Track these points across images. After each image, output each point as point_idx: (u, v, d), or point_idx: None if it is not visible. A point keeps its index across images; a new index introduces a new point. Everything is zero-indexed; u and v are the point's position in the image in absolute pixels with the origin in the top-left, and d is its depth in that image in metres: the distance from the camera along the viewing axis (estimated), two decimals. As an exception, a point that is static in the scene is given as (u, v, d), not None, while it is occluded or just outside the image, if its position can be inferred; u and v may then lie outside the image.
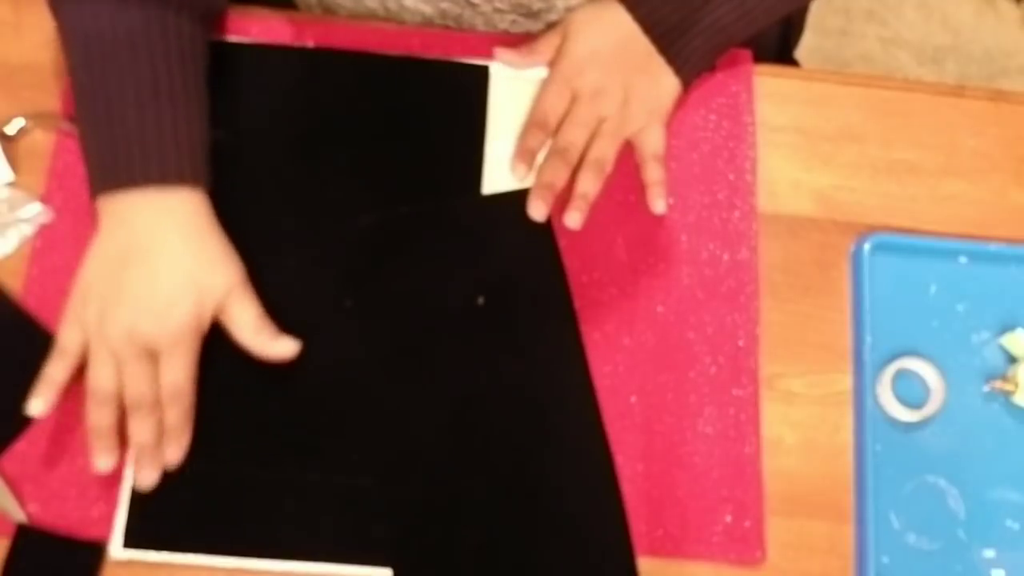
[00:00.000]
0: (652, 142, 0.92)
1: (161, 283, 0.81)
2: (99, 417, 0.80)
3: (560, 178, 0.90)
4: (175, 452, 0.82)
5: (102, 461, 0.80)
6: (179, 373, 0.81)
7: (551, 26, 0.97)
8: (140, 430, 0.81)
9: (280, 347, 0.84)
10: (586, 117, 0.92)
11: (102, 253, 0.82)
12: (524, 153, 0.92)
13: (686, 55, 0.92)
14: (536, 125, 0.92)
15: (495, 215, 0.92)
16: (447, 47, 0.96)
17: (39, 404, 0.80)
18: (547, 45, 0.95)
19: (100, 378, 0.80)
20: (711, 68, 0.96)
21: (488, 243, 0.91)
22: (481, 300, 0.89)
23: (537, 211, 0.88)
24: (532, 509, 0.84)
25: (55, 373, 0.81)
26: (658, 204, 0.90)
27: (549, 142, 0.92)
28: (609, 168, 0.91)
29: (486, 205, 0.92)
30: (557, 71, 0.93)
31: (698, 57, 0.93)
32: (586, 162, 0.91)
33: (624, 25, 0.93)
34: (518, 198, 0.90)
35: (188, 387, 0.82)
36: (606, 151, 0.91)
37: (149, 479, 0.81)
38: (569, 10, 0.96)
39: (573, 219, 0.88)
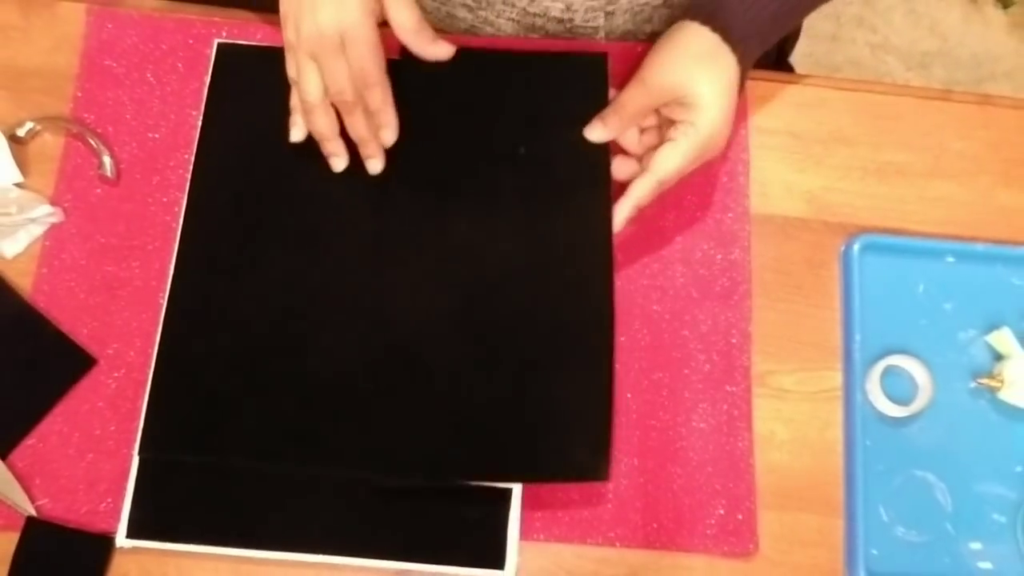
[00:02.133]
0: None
1: None
2: (321, 124, 0.88)
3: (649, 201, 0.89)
4: (388, 134, 0.90)
5: (338, 163, 0.90)
6: (364, 58, 0.84)
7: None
8: (352, 124, 0.88)
9: (438, 49, 0.89)
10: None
11: None
12: (631, 206, 0.88)
13: (752, 56, 0.89)
14: (655, 185, 0.88)
15: (554, 72, 0.94)
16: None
17: (297, 132, 0.90)
18: (644, 98, 0.89)
19: (308, 83, 0.85)
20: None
21: (541, 96, 0.93)
22: (522, 149, 0.91)
23: (618, 224, 0.89)
24: (527, 361, 0.87)
25: (295, 102, 0.90)
26: (619, 215, 0.89)
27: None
28: None
29: (548, 61, 0.95)
30: (696, 146, 0.87)
31: (759, 53, 0.90)
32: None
33: (730, 67, 0.86)
34: (581, 62, 0.94)
35: (376, 71, 0.86)
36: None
37: (376, 167, 0.91)
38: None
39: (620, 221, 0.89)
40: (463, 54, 0.91)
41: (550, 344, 0.87)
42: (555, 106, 0.92)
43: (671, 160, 0.86)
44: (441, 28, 1.01)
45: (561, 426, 0.85)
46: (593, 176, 0.90)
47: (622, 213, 0.88)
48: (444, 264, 0.89)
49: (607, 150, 0.91)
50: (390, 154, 0.91)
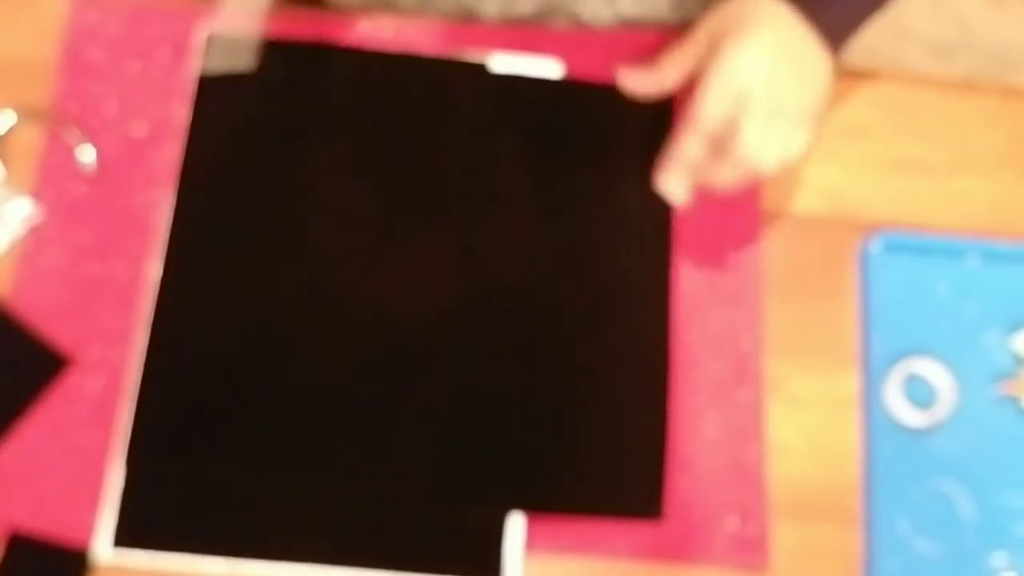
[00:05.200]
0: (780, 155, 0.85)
1: None
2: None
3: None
4: None
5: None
6: None
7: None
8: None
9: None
10: (758, 121, 0.83)
11: None
12: (680, 161, 0.87)
13: (840, 35, 0.85)
14: (694, 132, 0.85)
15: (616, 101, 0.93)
16: (445, 41, 0.95)
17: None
18: (683, 56, 0.87)
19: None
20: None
21: (602, 127, 0.93)
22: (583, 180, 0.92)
23: (677, 193, 0.89)
24: (569, 384, 0.86)
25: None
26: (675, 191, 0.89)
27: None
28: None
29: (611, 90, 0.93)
30: (717, 71, 0.83)
31: (848, 34, 0.86)
32: (736, 158, 0.85)
33: (785, 27, 0.84)
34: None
35: None
36: (770, 161, 0.85)
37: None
38: None
39: (679, 193, 0.88)
40: (527, 81, 0.93)
41: (599, 366, 0.87)
42: (616, 136, 0.93)
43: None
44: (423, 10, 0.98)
45: (609, 456, 0.85)
46: (654, 209, 0.90)
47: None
48: (468, 265, 0.88)
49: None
50: (430, 167, 0.91)
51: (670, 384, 0.87)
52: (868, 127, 0.97)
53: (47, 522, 0.81)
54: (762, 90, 0.83)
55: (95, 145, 0.89)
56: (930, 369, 0.89)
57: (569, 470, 0.84)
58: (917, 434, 0.88)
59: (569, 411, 0.86)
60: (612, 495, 0.84)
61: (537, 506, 0.83)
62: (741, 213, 0.92)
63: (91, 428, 0.83)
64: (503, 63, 0.94)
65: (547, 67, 0.94)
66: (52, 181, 0.89)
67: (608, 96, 0.93)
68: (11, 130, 0.89)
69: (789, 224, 0.93)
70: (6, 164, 0.89)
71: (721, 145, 0.85)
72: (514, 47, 0.95)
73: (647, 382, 0.87)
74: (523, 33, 0.96)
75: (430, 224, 0.89)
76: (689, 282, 0.90)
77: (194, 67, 0.92)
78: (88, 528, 0.81)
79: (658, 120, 0.92)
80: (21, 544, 0.80)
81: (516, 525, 0.83)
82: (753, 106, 0.83)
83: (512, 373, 0.86)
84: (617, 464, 0.85)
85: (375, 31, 0.94)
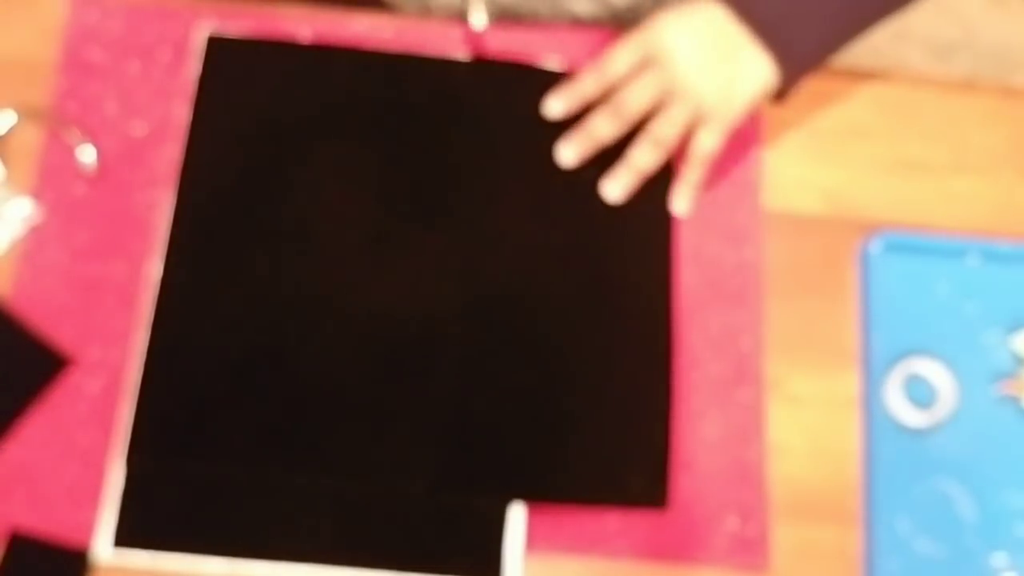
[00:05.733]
0: (707, 143, 0.87)
1: None
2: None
3: (608, 135, 0.88)
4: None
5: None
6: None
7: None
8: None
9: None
10: (655, 84, 0.87)
11: None
12: (572, 92, 0.89)
13: (790, 44, 0.86)
14: (596, 72, 0.88)
15: None
16: (445, 41, 0.95)
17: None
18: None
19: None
20: (817, 66, 0.89)
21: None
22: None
23: (568, 156, 0.89)
24: (569, 371, 0.87)
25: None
26: (681, 204, 0.90)
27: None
28: (668, 152, 0.89)
29: None
30: (637, 32, 0.87)
31: (805, 48, 0.87)
32: (646, 134, 0.88)
33: (717, 17, 0.85)
34: None
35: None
36: (669, 133, 0.87)
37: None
38: None
39: (615, 190, 0.89)
40: (527, 81, 0.93)
41: (602, 359, 0.87)
42: None
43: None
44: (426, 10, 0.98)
45: (614, 446, 0.85)
46: (655, 207, 0.91)
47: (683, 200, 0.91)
48: (469, 261, 0.88)
49: (669, 167, 0.91)
50: (430, 166, 0.91)
51: (673, 377, 0.86)
52: (868, 127, 0.96)
53: (47, 522, 0.81)
54: (674, 61, 0.85)
55: (95, 145, 0.89)
56: (930, 369, 0.88)
57: (575, 460, 0.84)
58: (917, 434, 0.87)
59: (573, 402, 0.85)
60: (617, 485, 0.84)
61: (542, 496, 0.83)
62: (741, 213, 0.92)
63: (91, 428, 0.83)
64: (503, 62, 0.94)
65: (546, 66, 0.94)
66: (52, 181, 0.88)
67: None
68: (11, 130, 0.89)
69: (789, 224, 0.92)
70: (6, 164, 0.88)
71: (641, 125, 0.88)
72: (514, 46, 0.94)
73: (651, 373, 0.86)
74: (523, 32, 0.96)
75: (430, 222, 0.89)
76: (689, 282, 0.90)
77: (194, 67, 0.92)
78: (88, 528, 0.81)
79: None
80: (21, 544, 0.80)
81: (517, 522, 0.83)
82: (664, 75, 0.86)
83: (516, 369, 0.86)
84: (622, 454, 0.84)
85: (375, 31, 0.94)
